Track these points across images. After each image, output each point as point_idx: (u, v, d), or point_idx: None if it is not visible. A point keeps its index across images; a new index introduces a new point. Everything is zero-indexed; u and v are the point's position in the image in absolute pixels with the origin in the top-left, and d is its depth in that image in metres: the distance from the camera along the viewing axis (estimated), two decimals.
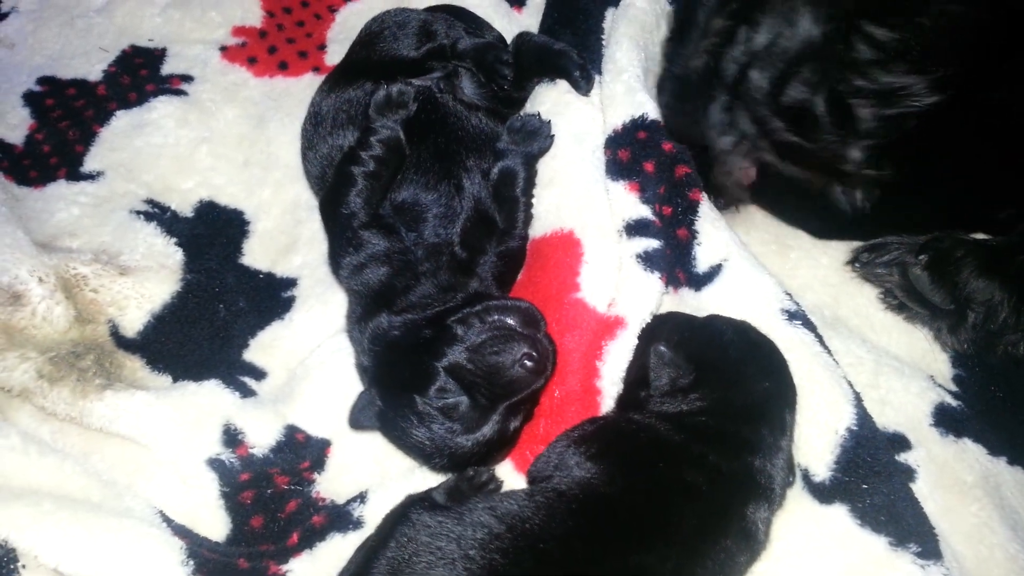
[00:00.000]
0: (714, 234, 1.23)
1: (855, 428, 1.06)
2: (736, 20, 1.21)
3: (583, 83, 1.32)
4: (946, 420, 1.18)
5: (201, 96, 1.47)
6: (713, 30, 1.25)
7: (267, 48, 1.54)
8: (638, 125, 1.28)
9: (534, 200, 1.28)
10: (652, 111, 1.29)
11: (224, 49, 1.53)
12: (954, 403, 1.20)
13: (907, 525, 1.00)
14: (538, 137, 1.30)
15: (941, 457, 1.15)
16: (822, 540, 1.02)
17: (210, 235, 1.36)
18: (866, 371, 1.21)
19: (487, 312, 1.12)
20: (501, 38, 1.46)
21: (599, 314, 1.19)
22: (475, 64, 1.34)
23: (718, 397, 1.04)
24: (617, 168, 1.27)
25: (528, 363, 1.07)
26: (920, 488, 1.12)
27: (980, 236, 1.26)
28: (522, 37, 1.39)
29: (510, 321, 1.12)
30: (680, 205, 1.24)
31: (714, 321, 1.12)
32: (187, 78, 1.49)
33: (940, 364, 1.25)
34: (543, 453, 1.08)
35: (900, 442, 1.16)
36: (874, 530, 1.00)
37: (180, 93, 1.47)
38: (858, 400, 1.10)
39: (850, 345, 1.24)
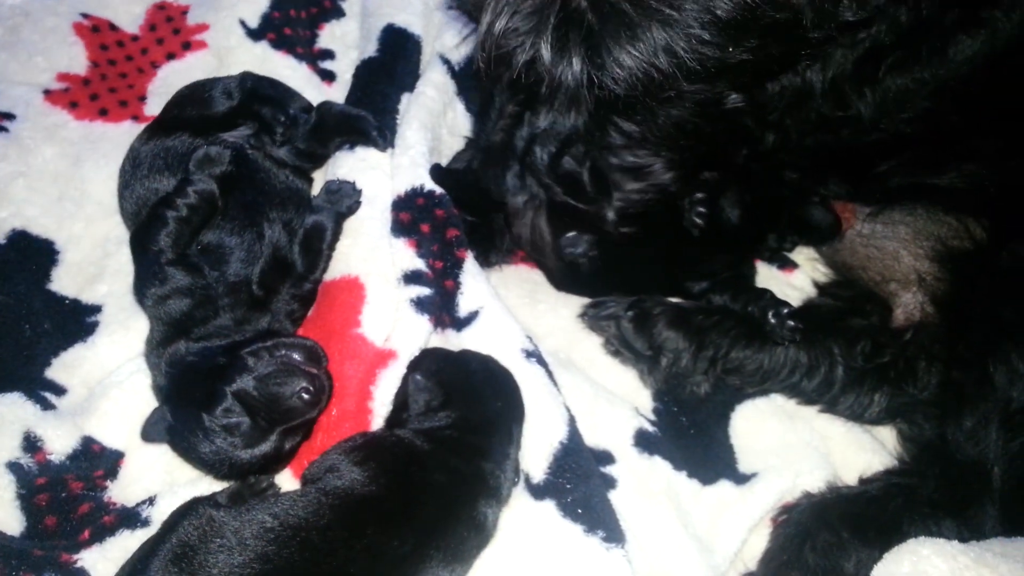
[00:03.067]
0: (475, 286, 1.51)
1: (566, 442, 1.36)
2: (523, 107, 1.50)
3: (380, 141, 1.58)
4: (643, 441, 1.50)
5: (21, 134, 1.58)
6: (507, 113, 1.54)
7: (89, 95, 1.68)
8: (418, 193, 1.55)
9: None
10: (429, 182, 1.57)
11: (48, 92, 1.65)
12: (651, 429, 1.53)
13: (597, 517, 1.29)
14: (349, 197, 1.53)
15: (637, 470, 1.47)
16: (534, 528, 1.29)
17: (20, 261, 1.47)
18: (586, 400, 1.52)
19: (276, 348, 1.32)
20: (309, 106, 1.68)
21: (376, 347, 1.43)
22: (271, 117, 1.57)
23: (460, 415, 1.30)
24: (399, 227, 1.53)
25: (305, 396, 1.27)
26: (620, 493, 1.43)
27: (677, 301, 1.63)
28: (326, 104, 1.65)
29: (295, 356, 1.32)
30: (449, 261, 1.52)
31: (464, 355, 1.39)
32: (9, 116, 1.60)
33: (644, 399, 1.58)
34: (318, 459, 1.29)
35: (606, 457, 1.47)
36: (573, 520, 1.29)
37: (1, 130, 1.58)
38: (572, 421, 1.40)
39: (576, 380, 1.55)
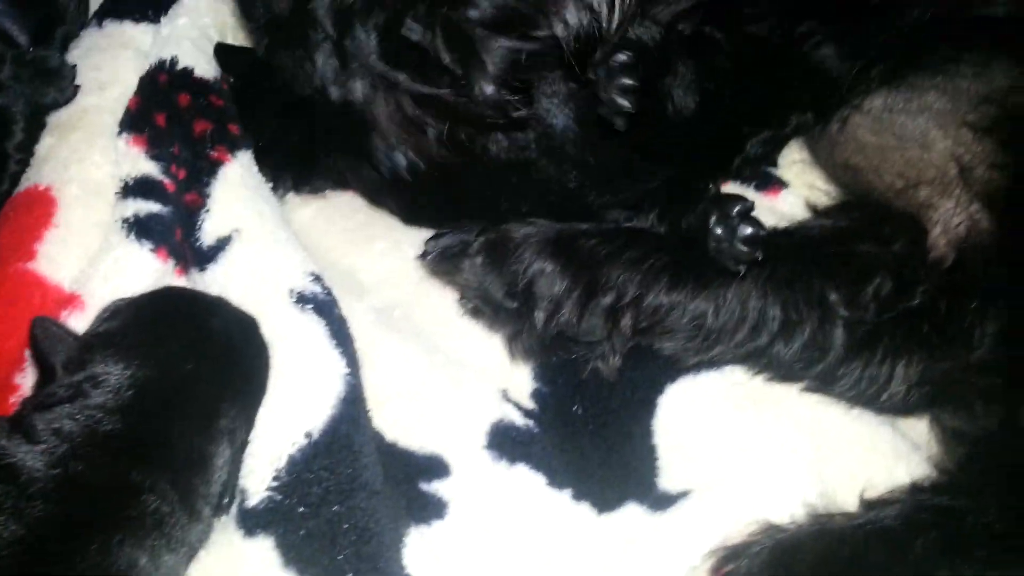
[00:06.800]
0: (230, 202, 0.97)
1: (317, 436, 0.78)
2: None
3: None
4: (503, 441, 0.92)
5: None
6: None
7: None
8: (163, 68, 1.03)
9: None
10: (189, 58, 1.04)
11: None
12: (520, 422, 0.95)
13: (354, 566, 0.72)
14: (56, 82, 1.03)
15: (485, 486, 0.90)
16: None
17: None
18: (417, 380, 0.95)
19: None
20: None
21: (58, 289, 0.91)
22: None
23: (116, 379, 0.74)
24: (127, 119, 1.01)
25: None
26: (449, 527, 0.86)
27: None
28: None
29: None
30: (196, 166, 0.99)
31: (156, 294, 0.84)
32: None
33: (521, 378, 1.00)
34: None
35: (434, 467, 0.90)
36: (299, 572, 0.72)
37: None
38: (346, 402, 0.82)
39: (411, 349, 0.98)
